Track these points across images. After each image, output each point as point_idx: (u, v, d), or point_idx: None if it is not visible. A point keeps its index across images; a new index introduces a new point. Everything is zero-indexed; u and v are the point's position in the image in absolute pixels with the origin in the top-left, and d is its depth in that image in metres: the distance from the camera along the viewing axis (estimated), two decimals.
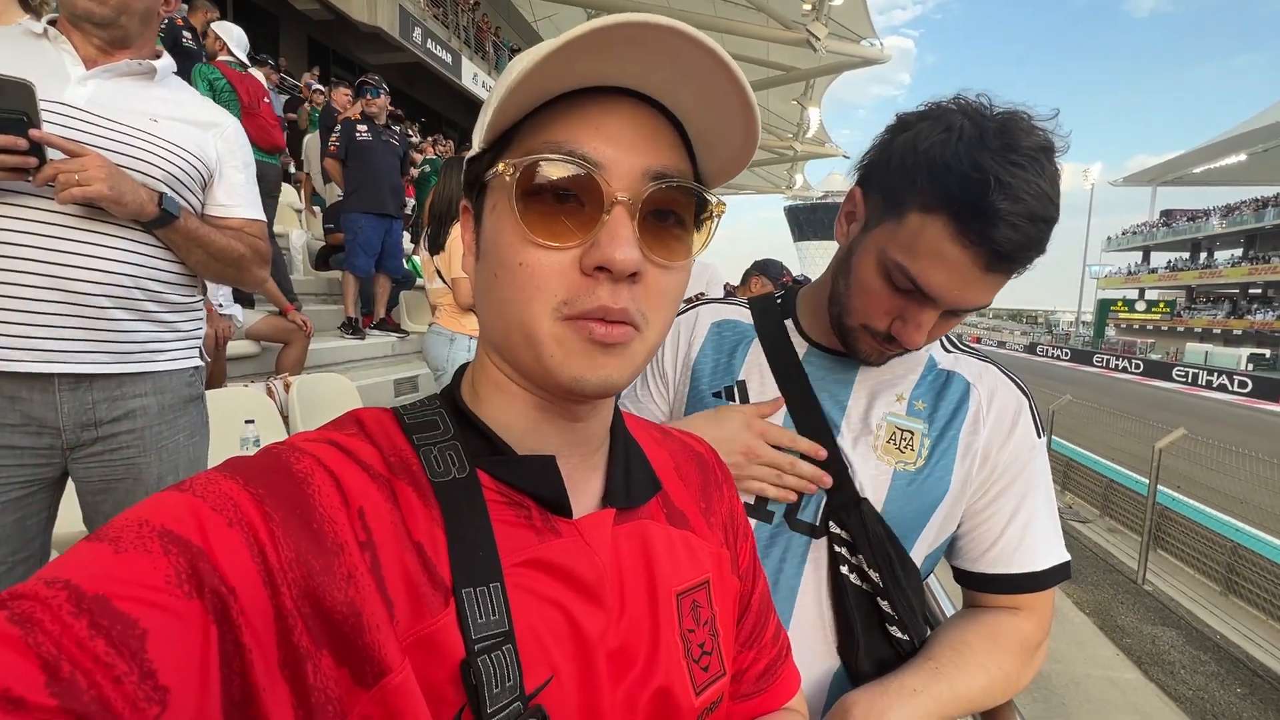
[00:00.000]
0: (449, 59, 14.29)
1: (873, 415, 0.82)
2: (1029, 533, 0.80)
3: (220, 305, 3.11)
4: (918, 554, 0.82)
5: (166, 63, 1.35)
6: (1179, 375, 26.95)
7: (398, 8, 12.24)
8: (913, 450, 0.80)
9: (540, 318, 0.40)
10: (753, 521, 0.81)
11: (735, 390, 0.88)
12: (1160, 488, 5.90)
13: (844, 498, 0.80)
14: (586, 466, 0.50)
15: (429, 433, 0.45)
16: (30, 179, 1.12)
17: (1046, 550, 0.80)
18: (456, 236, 3.11)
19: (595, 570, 0.45)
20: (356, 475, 0.40)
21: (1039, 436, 0.82)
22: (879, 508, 0.79)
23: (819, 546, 0.81)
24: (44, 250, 1.18)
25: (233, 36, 4.08)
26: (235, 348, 3.28)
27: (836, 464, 0.80)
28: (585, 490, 0.49)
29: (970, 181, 0.64)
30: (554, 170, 0.39)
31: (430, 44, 13.49)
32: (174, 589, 0.30)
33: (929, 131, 0.69)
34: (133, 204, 1.21)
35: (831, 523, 0.80)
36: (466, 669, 0.38)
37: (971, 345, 0.90)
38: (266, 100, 4.44)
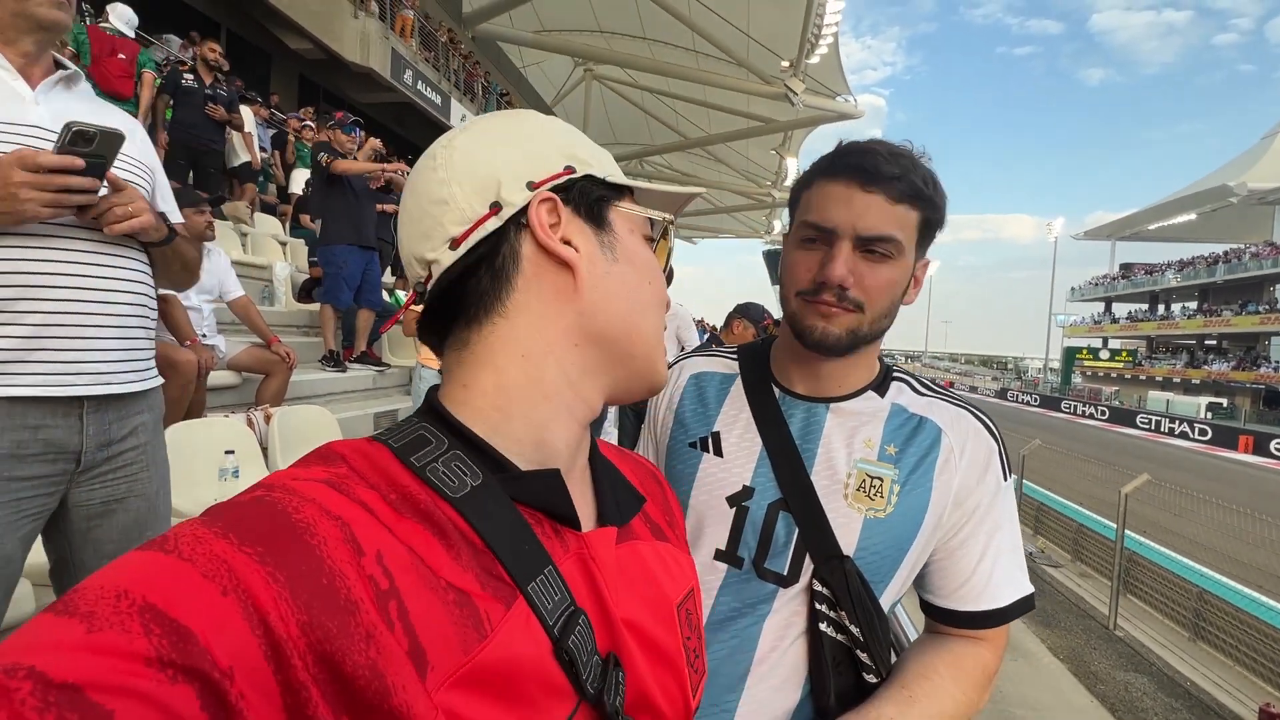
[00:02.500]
0: (438, 100, 14.60)
1: (843, 461, 0.83)
2: (996, 570, 0.82)
3: (204, 335, 3.09)
4: (887, 599, 0.83)
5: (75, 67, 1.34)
6: (1143, 422, 27.75)
7: (390, 50, 12.55)
8: (882, 497, 0.80)
9: (660, 325, 0.55)
10: (720, 566, 0.84)
11: (710, 440, 0.89)
12: (1128, 533, 6.02)
13: (826, 552, 0.80)
14: (581, 483, 0.51)
15: (423, 449, 0.43)
16: (85, 213, 1.17)
17: (1010, 586, 0.83)
18: None
19: (608, 581, 0.47)
20: (362, 517, 0.37)
21: (1006, 478, 0.85)
22: (851, 551, 0.80)
23: (786, 596, 0.81)
24: (87, 278, 1.21)
25: (123, 17, 5.20)
26: (216, 378, 3.24)
27: (817, 516, 0.81)
28: (581, 508, 0.50)
29: (833, 153, 0.82)
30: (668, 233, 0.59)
31: (420, 85, 13.79)
32: (157, 674, 0.27)
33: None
34: (154, 228, 1.26)
35: (814, 580, 0.80)
36: (561, 653, 0.40)
37: (945, 389, 0.92)
38: (122, 57, 5.12)
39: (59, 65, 1.29)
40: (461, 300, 0.48)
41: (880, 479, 0.81)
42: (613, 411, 4.65)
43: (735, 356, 0.98)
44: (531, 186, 0.47)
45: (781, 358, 0.91)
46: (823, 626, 0.79)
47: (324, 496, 0.37)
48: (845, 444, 0.84)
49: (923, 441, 0.83)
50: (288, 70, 12.86)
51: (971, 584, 0.82)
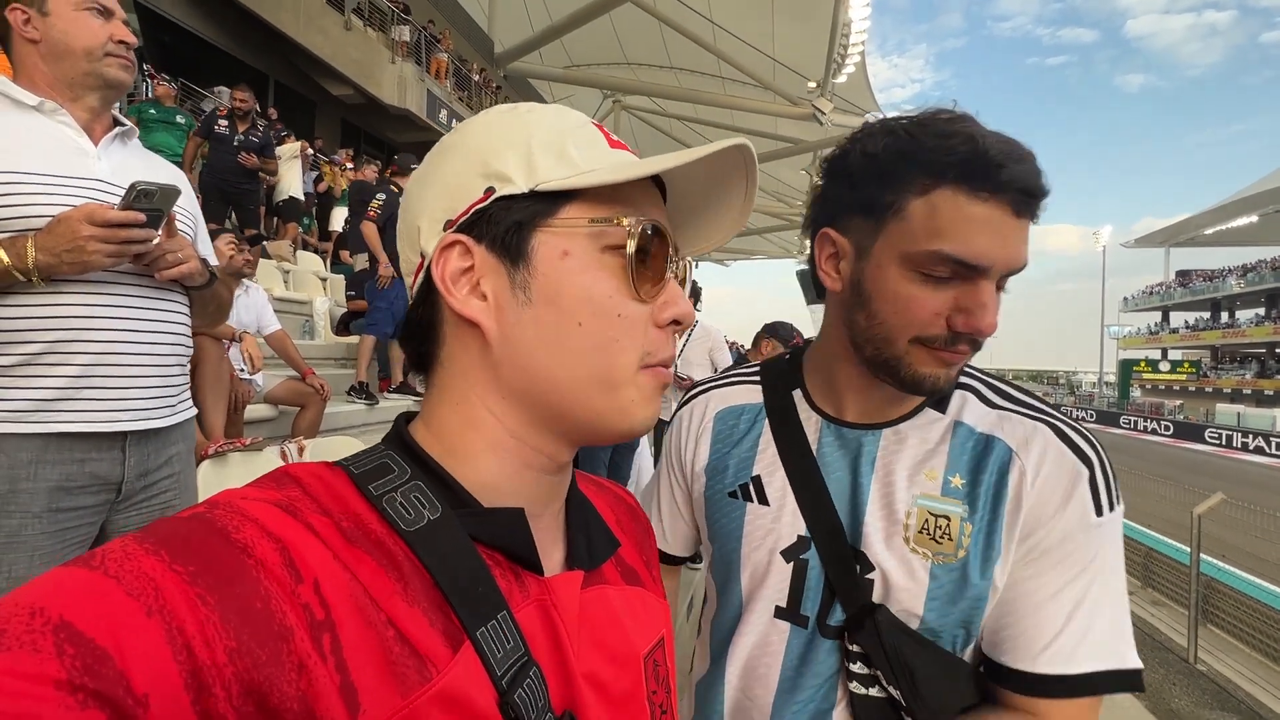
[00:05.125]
0: None
1: (900, 499, 0.70)
2: (1071, 624, 0.64)
3: (242, 370, 3.17)
4: (971, 654, 0.70)
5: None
6: (1212, 437, 26.08)
7: (425, 91, 13.08)
8: (950, 539, 0.67)
9: (631, 366, 0.43)
10: (783, 625, 0.74)
11: (751, 487, 0.78)
12: (1204, 557, 5.59)
13: (854, 607, 0.69)
14: (553, 527, 0.48)
15: (383, 478, 0.41)
16: (139, 261, 1.27)
17: (1095, 651, 0.64)
18: None
19: (569, 630, 0.43)
20: (307, 542, 0.35)
21: (1101, 514, 0.66)
22: (918, 611, 0.68)
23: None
24: (137, 321, 1.30)
25: None
26: (253, 411, 3.32)
27: (843, 559, 0.70)
28: (550, 551, 0.47)
29: (948, 147, 0.61)
30: (657, 236, 0.44)
31: (454, 123, 14.28)
32: (65, 699, 0.25)
33: (870, 143, 0.67)
34: (199, 273, 1.35)
35: (845, 634, 0.70)
36: (506, 708, 0.36)
37: (1031, 397, 0.74)
38: None
39: (116, 122, 1.39)
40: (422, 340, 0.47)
41: (946, 518, 0.68)
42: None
43: (758, 380, 0.85)
44: (448, 225, 0.44)
45: (827, 379, 0.78)
46: (853, 686, 0.69)
47: (268, 517, 0.35)
48: (904, 477, 0.71)
49: (993, 468, 0.68)
50: (331, 115, 13.53)
51: (1030, 637, 0.66)
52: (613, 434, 0.45)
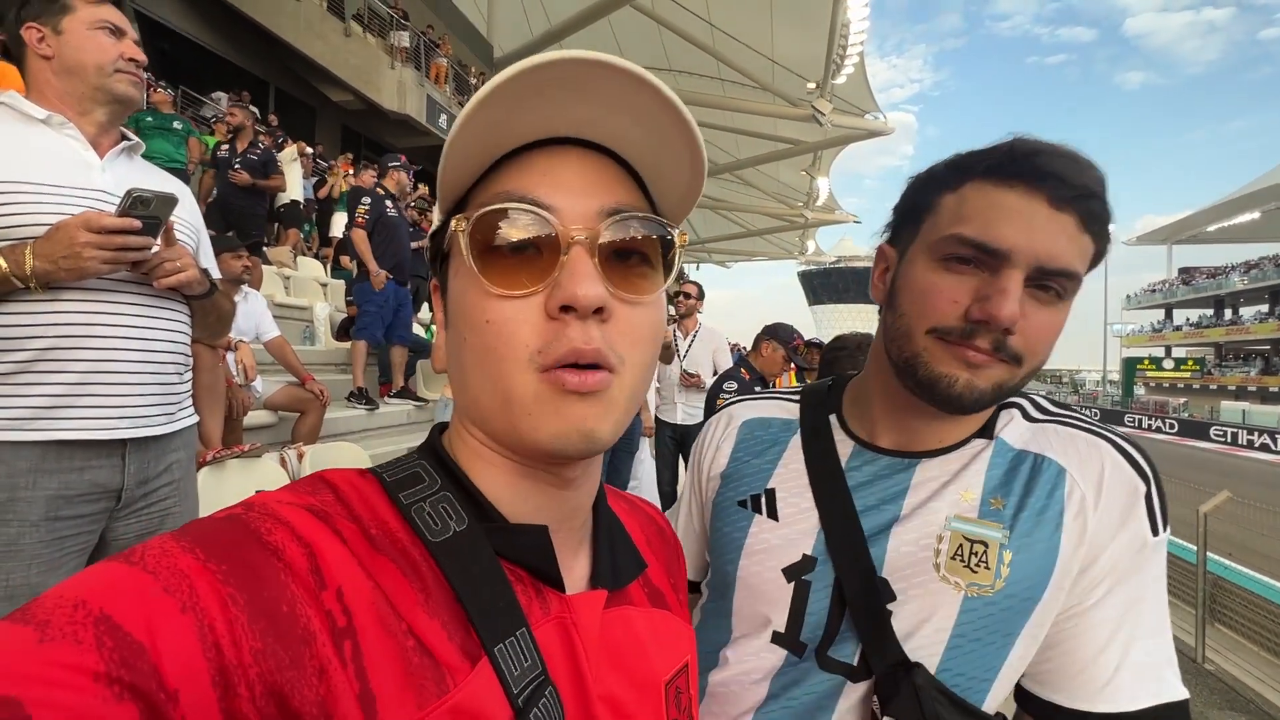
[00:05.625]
0: None
1: (932, 521, 0.64)
2: (1128, 659, 0.60)
3: (236, 379, 3.16)
4: (993, 703, 0.63)
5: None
6: (1217, 434, 25.96)
7: (425, 97, 13.11)
8: (988, 568, 0.61)
9: (515, 373, 0.38)
10: (779, 652, 0.69)
11: (763, 499, 0.74)
12: (1210, 555, 5.55)
13: (885, 659, 0.62)
14: (574, 542, 0.47)
15: (414, 488, 0.41)
16: (138, 269, 1.28)
17: (1149, 684, 0.59)
18: None
19: (588, 651, 0.43)
20: (335, 548, 0.35)
21: (1156, 534, 0.61)
22: (940, 648, 0.61)
23: (855, 693, 0.65)
24: (136, 329, 1.31)
25: None
26: (253, 418, 3.31)
27: (866, 587, 0.64)
28: (572, 567, 0.46)
29: (987, 149, 0.61)
30: (506, 219, 0.39)
31: None
32: (102, 690, 0.26)
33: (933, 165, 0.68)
34: (197, 282, 1.36)
35: (875, 695, 0.63)
36: None
37: (1070, 409, 0.69)
38: None
39: (123, 136, 1.41)
40: None
41: (984, 543, 0.61)
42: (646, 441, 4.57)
43: (797, 399, 0.81)
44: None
45: (863, 402, 0.74)
46: None
47: (300, 521, 0.35)
48: (937, 499, 0.65)
49: (1041, 488, 0.63)
50: (331, 121, 13.57)
51: (1090, 675, 0.60)
52: (537, 452, 0.40)
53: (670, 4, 15.73)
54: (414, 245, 5.48)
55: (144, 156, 1.49)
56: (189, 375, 1.49)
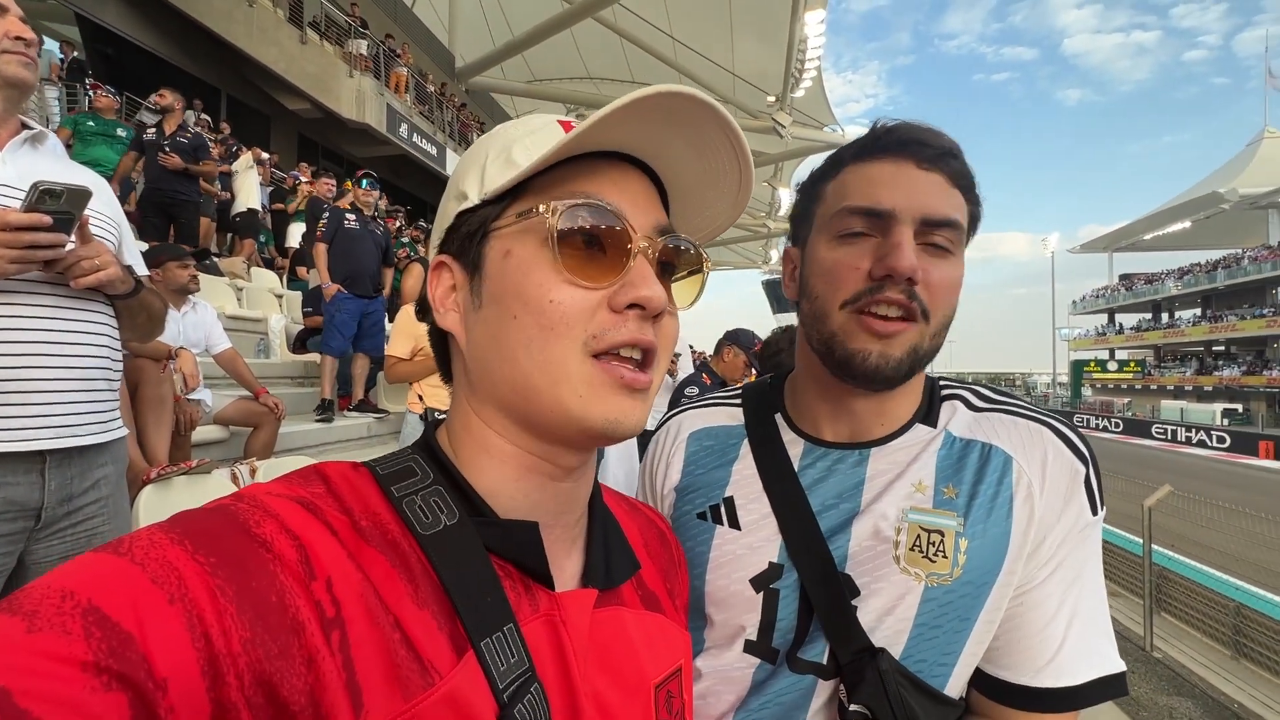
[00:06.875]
0: (434, 151, 14.93)
1: (888, 515, 0.65)
2: (1071, 634, 0.62)
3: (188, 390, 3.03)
4: (954, 686, 0.64)
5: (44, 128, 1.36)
6: (1158, 432, 27.29)
7: (385, 106, 12.90)
8: (945, 557, 0.62)
9: (571, 353, 0.41)
10: (753, 660, 0.69)
11: (722, 508, 0.73)
12: (1155, 547, 5.80)
13: (850, 644, 0.63)
14: (567, 540, 0.47)
15: (406, 481, 0.42)
16: (52, 268, 1.19)
17: (1089, 659, 0.62)
18: (402, 317, 3.11)
19: (576, 649, 0.43)
20: (324, 540, 0.36)
21: (1095, 513, 0.64)
22: (904, 638, 0.63)
23: (827, 690, 0.65)
24: (52, 332, 1.22)
25: None
26: (203, 433, 3.18)
27: (830, 590, 0.64)
28: (564, 565, 0.46)
29: (857, 139, 0.69)
30: (592, 215, 0.42)
31: (415, 137, 14.13)
32: (91, 680, 0.26)
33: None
34: (120, 280, 1.27)
35: (840, 681, 0.64)
36: None
37: (1010, 397, 0.72)
38: None
39: (24, 125, 1.30)
40: None
41: (940, 532, 0.63)
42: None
43: (739, 402, 0.81)
44: (440, 249, 0.48)
45: (803, 397, 0.75)
46: None
47: (289, 514, 0.36)
48: (891, 491, 0.66)
49: (990, 476, 0.65)
50: (286, 129, 13.22)
51: (1036, 651, 0.63)
52: (576, 431, 0.42)
53: (632, 17, 15.91)
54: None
55: (84, 163, 1.40)
56: (119, 382, 1.39)
